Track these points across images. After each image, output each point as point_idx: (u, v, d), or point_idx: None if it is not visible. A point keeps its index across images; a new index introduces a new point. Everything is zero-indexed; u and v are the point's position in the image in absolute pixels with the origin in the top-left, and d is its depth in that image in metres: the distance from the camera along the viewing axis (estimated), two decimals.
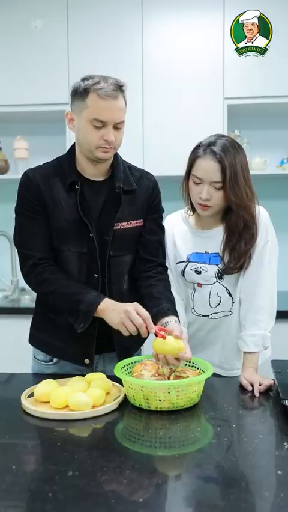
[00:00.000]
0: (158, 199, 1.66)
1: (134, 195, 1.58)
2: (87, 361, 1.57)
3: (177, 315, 1.53)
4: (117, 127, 1.45)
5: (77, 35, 2.88)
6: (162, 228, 1.70)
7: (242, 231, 1.58)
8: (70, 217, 1.50)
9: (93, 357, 1.57)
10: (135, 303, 1.42)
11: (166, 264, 1.69)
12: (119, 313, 1.40)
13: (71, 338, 1.55)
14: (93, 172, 1.54)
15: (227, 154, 1.51)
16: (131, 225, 1.58)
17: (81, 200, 1.50)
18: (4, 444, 1.14)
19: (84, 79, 1.44)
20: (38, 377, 1.53)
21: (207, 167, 1.52)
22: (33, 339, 1.68)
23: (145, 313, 1.39)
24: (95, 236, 1.51)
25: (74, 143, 1.58)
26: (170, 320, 1.48)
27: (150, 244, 1.63)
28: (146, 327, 1.38)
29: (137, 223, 1.59)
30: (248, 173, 1.57)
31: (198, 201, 1.58)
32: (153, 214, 1.64)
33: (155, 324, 1.43)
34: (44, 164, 1.59)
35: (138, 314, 1.38)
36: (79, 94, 1.43)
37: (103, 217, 1.54)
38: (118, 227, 1.55)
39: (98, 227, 1.54)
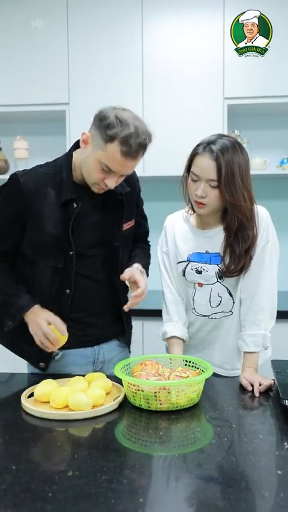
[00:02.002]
0: (139, 190, 1.70)
1: (129, 196, 1.60)
2: (42, 365, 1.58)
3: (141, 262, 1.66)
4: (123, 175, 1.45)
5: (77, 35, 2.89)
6: (145, 217, 1.77)
7: (238, 231, 1.58)
8: (54, 231, 1.49)
9: (49, 361, 1.58)
10: (51, 314, 1.48)
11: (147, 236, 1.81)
12: (34, 323, 1.47)
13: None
14: None
15: (225, 153, 1.51)
16: (129, 226, 1.62)
17: (71, 219, 1.49)
18: (4, 444, 1.14)
19: (117, 119, 1.33)
20: (38, 377, 1.53)
21: (204, 164, 1.52)
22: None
23: (57, 327, 1.45)
24: (74, 254, 1.51)
25: (72, 147, 1.56)
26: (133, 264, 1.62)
27: (137, 236, 1.73)
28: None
29: (131, 223, 1.64)
30: (248, 175, 1.56)
31: (194, 198, 1.58)
32: (138, 207, 1.70)
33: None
34: (38, 168, 1.54)
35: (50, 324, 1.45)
36: (105, 132, 1.34)
37: (108, 224, 1.56)
38: (124, 228, 1.59)
39: (104, 235, 1.56)
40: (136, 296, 1.53)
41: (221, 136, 1.57)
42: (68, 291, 1.54)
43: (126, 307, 1.56)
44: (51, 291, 1.54)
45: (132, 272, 1.56)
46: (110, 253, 1.58)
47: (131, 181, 1.62)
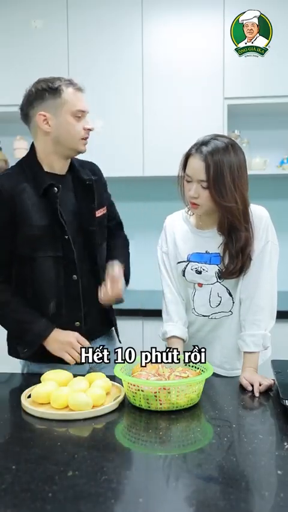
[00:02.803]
0: (105, 179, 1.76)
1: (97, 183, 1.65)
2: (77, 323, 1.60)
3: (119, 258, 1.71)
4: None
5: (77, 35, 2.88)
6: (114, 208, 1.82)
7: (230, 232, 1.58)
8: (43, 222, 1.52)
9: (81, 319, 1.61)
10: (76, 333, 1.55)
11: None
12: (62, 343, 1.52)
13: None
14: (61, 167, 1.59)
15: (215, 154, 1.50)
16: (101, 213, 1.67)
17: (56, 202, 1.52)
18: (4, 444, 1.14)
19: (47, 80, 1.51)
20: (37, 378, 1.52)
21: (195, 165, 1.53)
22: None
23: (85, 342, 1.53)
24: (70, 237, 1.54)
25: (30, 148, 1.60)
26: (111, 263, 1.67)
27: (109, 228, 1.77)
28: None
29: (103, 210, 1.68)
30: (241, 177, 1.54)
31: (188, 199, 1.59)
32: (108, 199, 1.76)
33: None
34: (6, 171, 1.60)
35: (79, 342, 1.52)
36: (51, 93, 1.49)
37: (82, 210, 1.61)
38: (97, 215, 1.63)
39: (80, 221, 1.60)
40: (111, 278, 1.59)
41: (216, 136, 1.56)
42: (75, 276, 1.57)
43: (101, 300, 1.60)
44: (59, 281, 1.56)
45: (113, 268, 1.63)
46: (88, 239, 1.62)
47: (95, 171, 1.70)
